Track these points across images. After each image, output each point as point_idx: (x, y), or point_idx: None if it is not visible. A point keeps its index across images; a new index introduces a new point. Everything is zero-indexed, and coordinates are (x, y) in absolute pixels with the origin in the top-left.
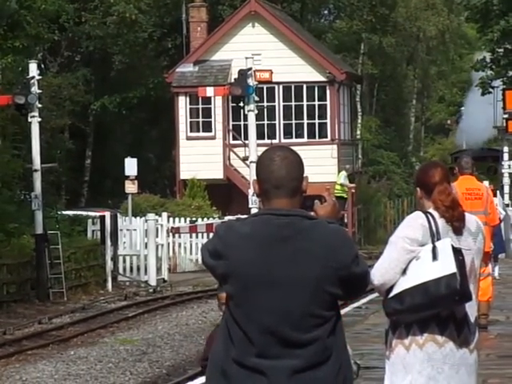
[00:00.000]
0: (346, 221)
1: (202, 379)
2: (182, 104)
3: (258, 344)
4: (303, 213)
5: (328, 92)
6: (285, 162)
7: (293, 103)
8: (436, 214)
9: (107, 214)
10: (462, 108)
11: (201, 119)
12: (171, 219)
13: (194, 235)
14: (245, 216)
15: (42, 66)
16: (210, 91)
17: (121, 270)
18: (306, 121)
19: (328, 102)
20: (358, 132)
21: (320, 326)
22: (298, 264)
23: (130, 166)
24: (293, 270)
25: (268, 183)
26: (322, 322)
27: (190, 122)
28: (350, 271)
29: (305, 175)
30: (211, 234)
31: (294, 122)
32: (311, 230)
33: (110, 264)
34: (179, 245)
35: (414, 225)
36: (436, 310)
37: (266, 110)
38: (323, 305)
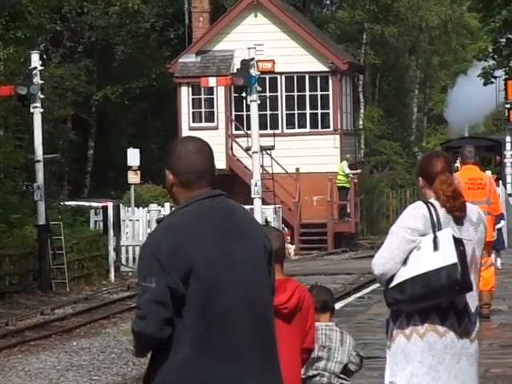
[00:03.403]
0: (348, 211)
1: None
2: (185, 94)
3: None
4: (223, 193)
5: (330, 82)
6: (203, 154)
7: (295, 93)
8: (437, 204)
9: (110, 205)
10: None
11: (203, 109)
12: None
13: None
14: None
15: (44, 56)
16: (212, 81)
17: (123, 261)
18: (308, 111)
19: (330, 92)
20: (361, 122)
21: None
22: (245, 240)
23: (133, 156)
24: (245, 247)
25: (189, 175)
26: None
27: (193, 112)
28: (271, 247)
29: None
30: None
31: (296, 112)
32: (240, 208)
33: (112, 254)
34: None
35: (415, 215)
36: (437, 300)
37: (268, 100)
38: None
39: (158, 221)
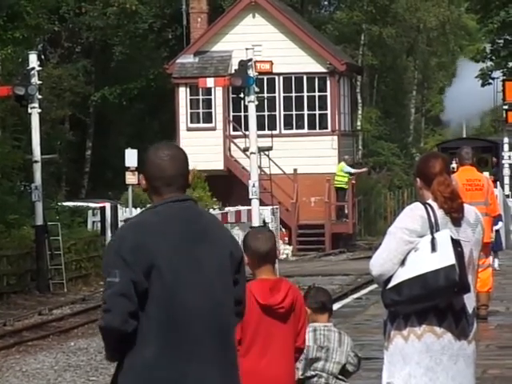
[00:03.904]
0: (346, 212)
1: None
2: (183, 95)
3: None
4: (193, 198)
5: (328, 83)
6: (174, 161)
7: (293, 94)
8: (435, 205)
9: (107, 205)
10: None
11: (201, 110)
12: None
13: None
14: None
15: (42, 56)
16: (210, 82)
17: None
18: (306, 112)
19: (328, 93)
20: (359, 123)
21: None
22: (211, 244)
23: (131, 157)
24: (210, 250)
25: (159, 181)
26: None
27: (191, 113)
28: (242, 256)
29: (190, 169)
30: None
31: (294, 112)
32: (208, 214)
33: None
34: None
35: (412, 216)
36: (434, 301)
37: (266, 100)
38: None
39: (125, 221)
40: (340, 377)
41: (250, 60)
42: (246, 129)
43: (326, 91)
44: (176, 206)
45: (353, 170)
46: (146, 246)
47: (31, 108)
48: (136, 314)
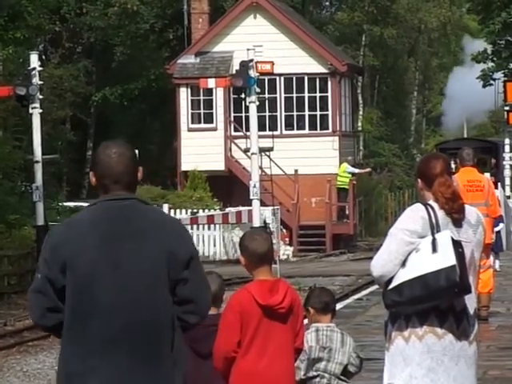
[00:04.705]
0: (347, 212)
1: None
2: (184, 95)
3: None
4: (140, 197)
5: (329, 84)
6: (122, 159)
7: (294, 95)
8: (436, 206)
9: None
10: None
11: (202, 111)
12: (172, 211)
13: (194, 227)
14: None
15: (43, 57)
16: (211, 83)
17: None
18: (307, 112)
19: (329, 94)
20: (360, 124)
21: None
22: (142, 243)
23: None
24: (138, 250)
25: (107, 179)
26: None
27: (192, 113)
28: (191, 254)
29: (139, 167)
30: (212, 226)
31: (295, 113)
32: (152, 213)
33: None
34: None
35: (413, 217)
36: (435, 302)
37: (267, 101)
38: (167, 287)
39: None
40: (342, 377)
41: (251, 60)
42: (247, 129)
43: (327, 92)
44: (113, 205)
45: (357, 170)
46: (65, 244)
47: (32, 108)
48: (57, 309)
